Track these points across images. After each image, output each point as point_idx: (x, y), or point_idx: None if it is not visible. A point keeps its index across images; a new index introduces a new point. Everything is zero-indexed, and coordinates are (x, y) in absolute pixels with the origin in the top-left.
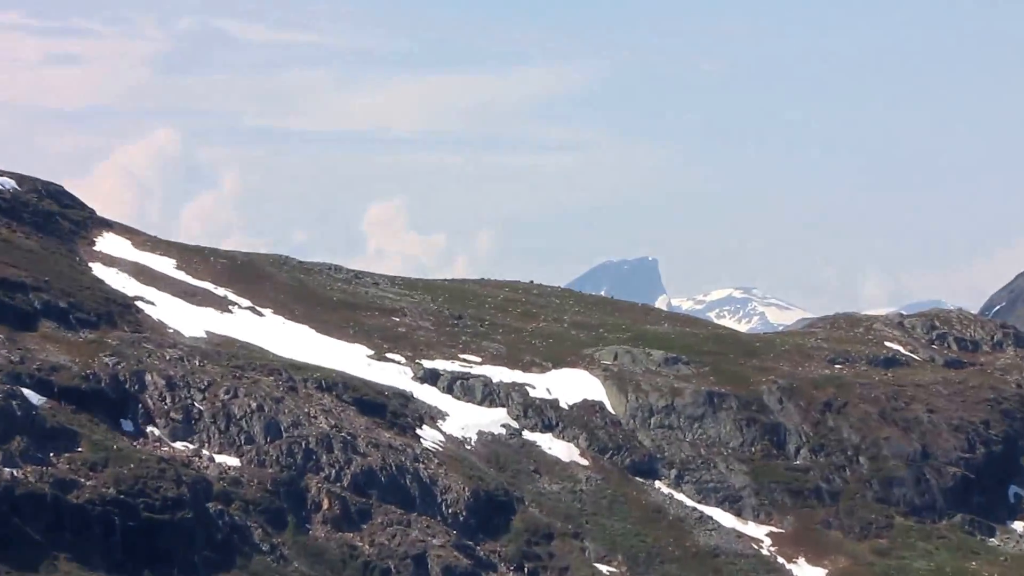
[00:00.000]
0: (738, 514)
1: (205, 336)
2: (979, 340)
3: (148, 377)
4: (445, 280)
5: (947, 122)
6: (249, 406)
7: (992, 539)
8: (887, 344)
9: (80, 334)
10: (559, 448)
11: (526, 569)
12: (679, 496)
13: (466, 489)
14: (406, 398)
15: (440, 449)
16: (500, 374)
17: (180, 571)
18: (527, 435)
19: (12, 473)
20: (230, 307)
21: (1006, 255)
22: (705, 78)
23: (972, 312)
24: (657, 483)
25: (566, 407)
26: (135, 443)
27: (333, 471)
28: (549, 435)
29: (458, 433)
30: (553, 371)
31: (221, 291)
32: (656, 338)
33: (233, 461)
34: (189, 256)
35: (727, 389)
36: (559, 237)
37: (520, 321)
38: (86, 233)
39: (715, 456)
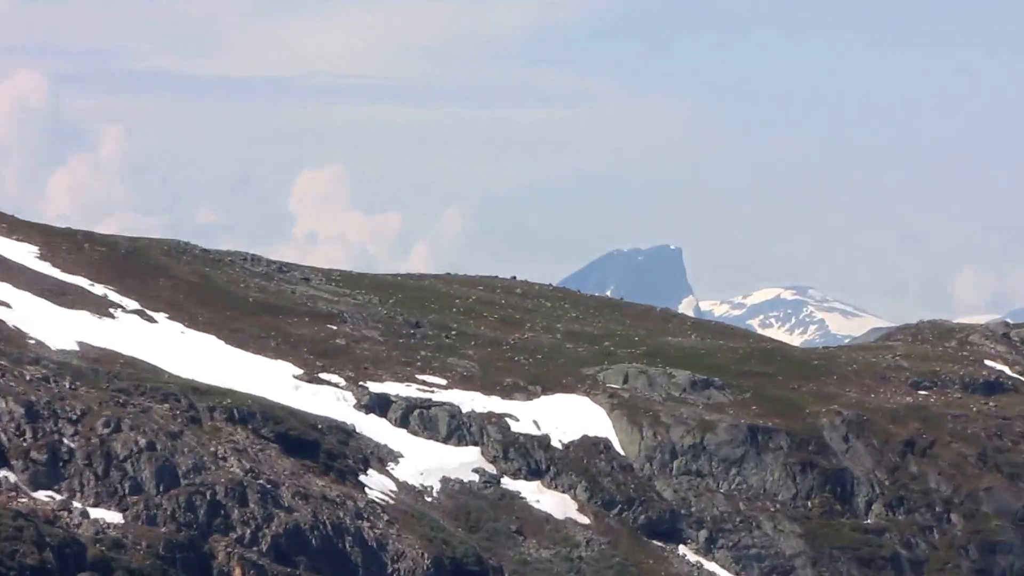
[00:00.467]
0: None
1: (78, 349)
2: None
3: (1, 404)
4: (399, 276)
5: None
6: (136, 443)
7: None
8: (988, 363)
9: None
10: (550, 501)
11: None
12: (710, 566)
13: (425, 556)
14: (346, 433)
15: (391, 502)
16: (472, 401)
17: None
18: (507, 483)
19: None
20: (111, 310)
21: None
22: (746, 3)
23: None
24: (681, 548)
25: (560, 446)
26: None
27: (247, 531)
28: (537, 483)
29: (415, 480)
30: (543, 397)
31: (99, 289)
32: (680, 354)
33: (114, 517)
34: (57, 242)
35: (775, 423)
36: (551, 218)
37: (499, 330)
38: None
39: (759, 513)
